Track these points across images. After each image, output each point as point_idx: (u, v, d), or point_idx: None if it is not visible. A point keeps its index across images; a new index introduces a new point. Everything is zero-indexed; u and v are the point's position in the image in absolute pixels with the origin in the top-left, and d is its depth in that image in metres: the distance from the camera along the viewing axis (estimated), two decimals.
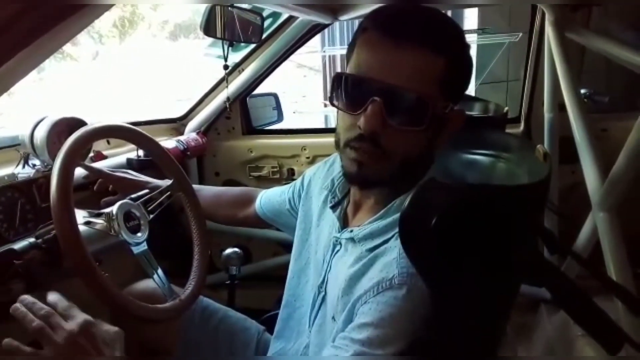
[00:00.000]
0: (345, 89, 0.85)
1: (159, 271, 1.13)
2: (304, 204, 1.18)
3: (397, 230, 0.83)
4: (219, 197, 1.46)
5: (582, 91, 2.03)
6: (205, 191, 1.47)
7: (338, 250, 0.98)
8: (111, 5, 0.77)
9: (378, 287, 0.79)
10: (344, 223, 1.01)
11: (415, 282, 0.76)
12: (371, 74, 0.81)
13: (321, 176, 1.15)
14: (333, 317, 0.93)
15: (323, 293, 1.00)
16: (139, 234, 1.12)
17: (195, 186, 1.44)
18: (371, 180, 0.89)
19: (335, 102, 0.88)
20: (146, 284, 1.26)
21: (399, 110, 0.80)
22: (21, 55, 0.62)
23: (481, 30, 3.66)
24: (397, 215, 0.84)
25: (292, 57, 2.06)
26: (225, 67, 1.67)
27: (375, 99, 0.79)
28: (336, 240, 0.98)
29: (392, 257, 0.81)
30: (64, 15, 0.63)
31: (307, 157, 2.13)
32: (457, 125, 0.89)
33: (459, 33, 0.87)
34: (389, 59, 0.80)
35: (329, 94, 0.90)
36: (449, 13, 3.93)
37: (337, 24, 2.79)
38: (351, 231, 0.93)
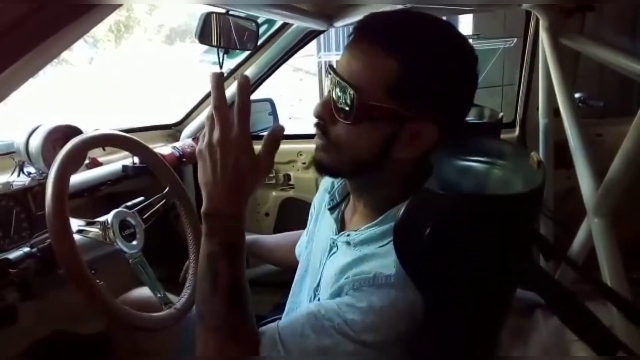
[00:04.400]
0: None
1: (154, 279, 1.12)
2: (314, 221, 1.18)
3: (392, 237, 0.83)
4: (280, 245, 1.47)
5: (577, 96, 2.05)
6: (266, 241, 1.49)
7: (334, 252, 0.98)
8: (119, 5, 0.78)
9: (374, 279, 0.79)
10: (341, 226, 1.01)
11: (411, 285, 0.77)
12: (337, 69, 0.85)
13: (321, 190, 1.17)
14: None
15: (318, 296, 1.00)
16: (134, 242, 1.12)
17: (253, 236, 1.49)
18: (322, 166, 0.91)
19: None
20: (141, 292, 1.25)
21: (340, 102, 0.83)
22: (29, 57, 0.62)
23: (476, 36, 3.67)
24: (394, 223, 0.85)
25: (288, 60, 2.07)
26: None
27: (329, 90, 0.85)
28: (333, 242, 0.98)
29: (392, 259, 0.81)
30: (72, 16, 0.63)
31: (303, 163, 2.13)
32: (426, 141, 0.84)
33: (428, 39, 0.82)
34: (346, 55, 0.84)
35: None
36: (443, 19, 3.95)
37: (332, 30, 2.80)
38: (348, 235, 0.93)
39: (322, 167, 0.91)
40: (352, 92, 0.81)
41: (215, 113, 0.81)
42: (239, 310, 0.82)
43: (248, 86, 0.83)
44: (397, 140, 0.84)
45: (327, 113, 0.85)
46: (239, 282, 0.82)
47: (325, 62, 5.80)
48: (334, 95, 0.83)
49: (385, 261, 0.82)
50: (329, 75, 0.87)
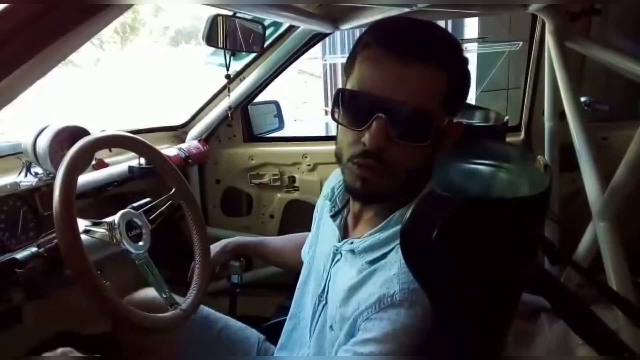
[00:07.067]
0: (348, 105, 0.85)
1: (160, 280, 1.13)
2: (317, 226, 1.19)
3: (396, 242, 0.83)
4: (285, 247, 1.47)
5: (583, 99, 2.04)
6: (270, 243, 1.49)
7: (338, 260, 0.98)
8: (130, 5, 0.78)
9: (380, 303, 0.80)
10: (344, 233, 1.01)
11: (416, 298, 0.77)
12: (375, 91, 0.80)
13: (322, 196, 1.17)
14: (331, 326, 0.93)
15: (324, 302, 1.00)
16: (140, 243, 1.12)
17: (258, 238, 1.51)
18: (375, 195, 0.89)
19: (337, 118, 0.87)
20: (147, 293, 1.26)
21: (403, 126, 0.80)
22: (39, 57, 0.63)
23: (481, 39, 3.68)
24: (397, 227, 0.84)
25: (294, 63, 2.07)
26: (227, 76, 1.68)
27: (380, 116, 0.79)
28: (336, 250, 0.98)
29: (393, 273, 0.82)
30: (83, 17, 0.63)
31: (308, 165, 2.13)
32: (456, 136, 0.90)
33: (459, 48, 0.88)
34: (394, 75, 0.79)
35: (329, 109, 0.89)
36: (449, 22, 3.96)
37: (337, 33, 2.81)
38: (351, 242, 0.93)
39: (374, 197, 0.90)
40: (417, 112, 0.80)
41: None
42: None
43: None
44: (441, 145, 0.86)
45: (385, 140, 0.81)
46: None
47: (330, 64, 5.81)
48: (388, 120, 0.79)
49: (387, 275, 0.83)
50: (370, 101, 0.81)
